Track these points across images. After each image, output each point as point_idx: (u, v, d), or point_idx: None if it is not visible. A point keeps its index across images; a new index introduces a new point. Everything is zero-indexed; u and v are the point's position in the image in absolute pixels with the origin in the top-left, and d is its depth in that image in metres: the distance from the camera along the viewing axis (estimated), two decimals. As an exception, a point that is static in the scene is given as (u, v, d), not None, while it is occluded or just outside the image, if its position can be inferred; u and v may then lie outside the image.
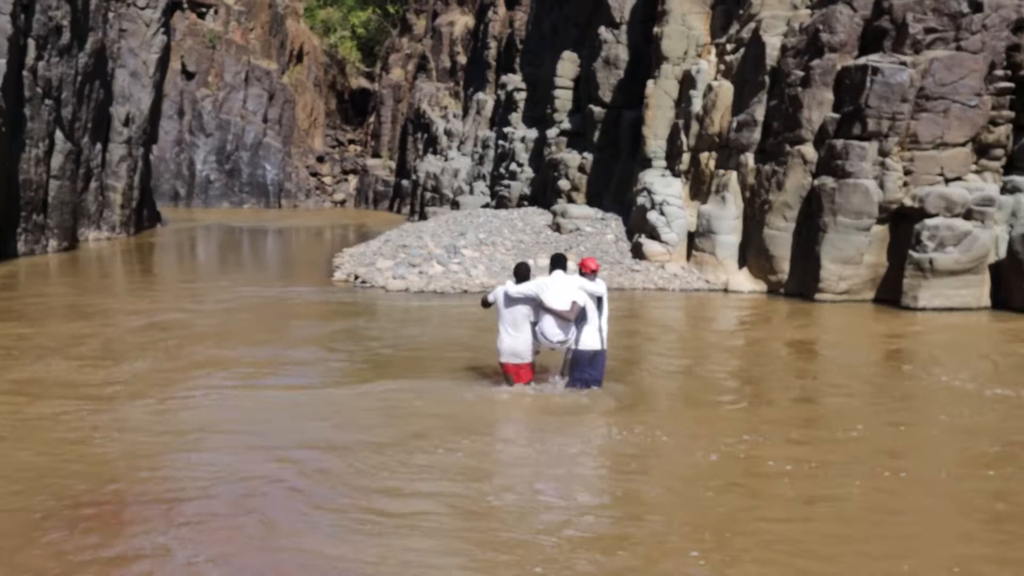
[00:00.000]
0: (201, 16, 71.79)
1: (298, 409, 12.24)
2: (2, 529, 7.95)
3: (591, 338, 12.99)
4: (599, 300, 13.12)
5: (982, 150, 24.17)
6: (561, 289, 12.87)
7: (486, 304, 13.71)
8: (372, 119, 78.64)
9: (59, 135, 33.55)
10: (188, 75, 69.25)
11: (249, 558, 7.54)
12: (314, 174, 78.42)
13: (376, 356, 16.43)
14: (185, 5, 67.04)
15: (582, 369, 13.08)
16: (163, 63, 46.25)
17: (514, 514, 8.53)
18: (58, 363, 14.71)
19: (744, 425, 11.99)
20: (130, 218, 42.22)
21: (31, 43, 31.19)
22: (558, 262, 13.42)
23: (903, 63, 24.01)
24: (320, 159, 79.49)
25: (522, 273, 13.40)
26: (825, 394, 14.35)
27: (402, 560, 7.43)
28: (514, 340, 13.16)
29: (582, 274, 13.20)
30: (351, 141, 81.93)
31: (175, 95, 65.34)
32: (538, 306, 12.91)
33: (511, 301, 13.03)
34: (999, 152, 24.21)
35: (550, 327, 12.91)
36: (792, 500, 9.03)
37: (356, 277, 26.72)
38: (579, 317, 12.89)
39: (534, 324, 13.02)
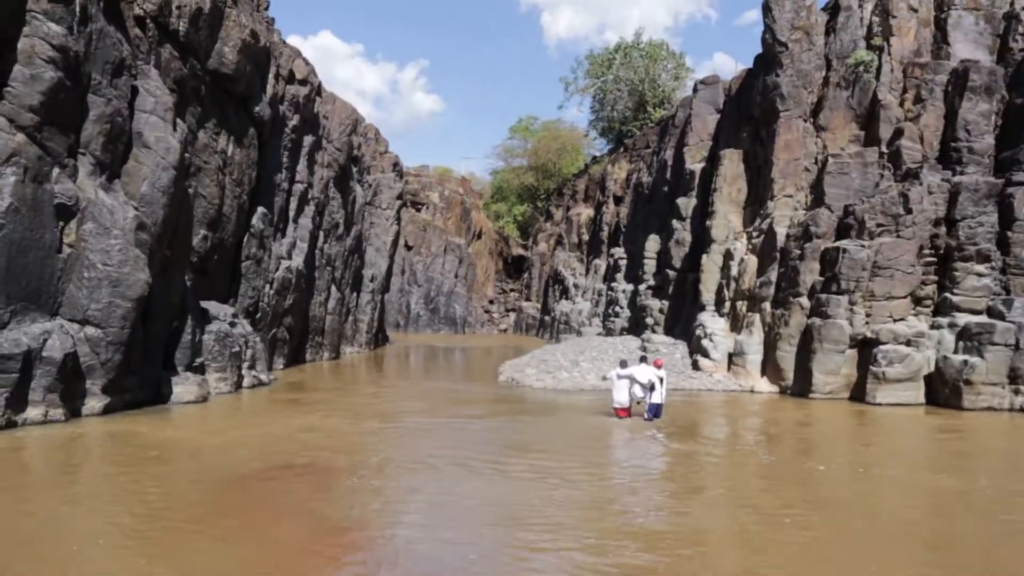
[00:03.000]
0: (418, 210, 75.56)
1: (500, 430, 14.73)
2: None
3: (657, 397, 18.06)
4: (661, 380, 18.08)
5: (917, 301, 24.62)
6: (644, 372, 18.18)
7: (604, 379, 19.86)
8: (526, 275, 79.05)
9: (333, 288, 35.88)
10: (408, 247, 71.99)
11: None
12: (487, 311, 79.96)
13: (533, 409, 18.89)
14: (408, 204, 70.58)
15: (651, 411, 18.16)
16: (395, 242, 48.71)
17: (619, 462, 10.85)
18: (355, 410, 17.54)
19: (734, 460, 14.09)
20: (371, 339, 43.91)
21: (321, 234, 33.72)
22: (643, 359, 19.18)
23: (863, 245, 24.79)
24: (491, 301, 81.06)
25: (624, 364, 18.57)
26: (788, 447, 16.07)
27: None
28: (621, 396, 18.16)
29: (655, 367, 18.49)
30: (511, 290, 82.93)
31: (400, 261, 67.81)
32: (633, 380, 18.11)
33: (620, 377, 18.17)
34: (928, 302, 24.64)
35: (637, 390, 18.15)
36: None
37: (513, 379, 27.75)
38: (651, 387, 18.02)
39: (630, 388, 18.13)
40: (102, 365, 16.81)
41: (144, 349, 18.43)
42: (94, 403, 16.75)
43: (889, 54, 28.23)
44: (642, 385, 18.16)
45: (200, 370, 20.76)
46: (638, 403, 18.52)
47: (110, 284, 16.83)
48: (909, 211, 24.70)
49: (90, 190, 17.02)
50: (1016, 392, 22.31)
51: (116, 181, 18.05)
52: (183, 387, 19.46)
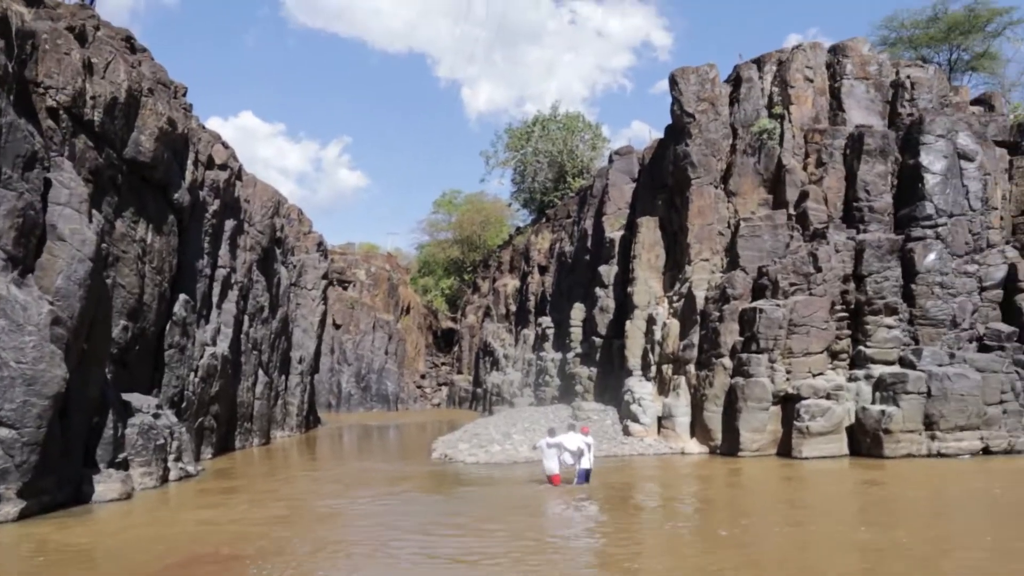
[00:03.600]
0: (345, 288, 74.86)
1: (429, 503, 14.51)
2: None
3: (586, 463, 18.64)
4: (589, 446, 18.70)
5: (833, 355, 25.56)
6: (572, 440, 18.69)
7: (535, 448, 20.19)
8: (456, 348, 78.58)
9: (260, 373, 35.03)
10: (337, 326, 70.85)
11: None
12: (419, 386, 79.01)
13: (465, 485, 18.73)
14: (335, 283, 69.64)
15: (580, 476, 18.64)
16: (322, 322, 47.86)
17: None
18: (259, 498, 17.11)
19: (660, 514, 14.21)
20: (302, 422, 42.80)
21: (246, 318, 33.09)
22: (572, 427, 19.49)
23: (778, 304, 25.67)
24: (423, 376, 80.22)
25: (552, 432, 19.15)
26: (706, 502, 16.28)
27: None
28: (551, 464, 18.75)
29: (582, 433, 19.04)
30: (443, 363, 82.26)
31: (328, 340, 66.58)
32: (562, 448, 18.61)
33: (549, 445, 18.68)
34: (844, 356, 25.61)
35: (567, 457, 18.64)
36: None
37: (446, 455, 27.36)
38: (580, 454, 18.55)
39: (559, 456, 18.66)
40: (17, 468, 16.11)
41: (63, 447, 17.74)
42: (9, 508, 15.98)
43: (790, 121, 29.77)
44: (571, 452, 18.75)
45: (123, 466, 20.04)
46: (568, 469, 18.92)
47: (24, 383, 16.27)
48: (819, 269, 25.73)
49: (2, 286, 16.56)
50: (932, 438, 23.20)
51: (30, 276, 17.61)
52: (105, 485, 18.72)
